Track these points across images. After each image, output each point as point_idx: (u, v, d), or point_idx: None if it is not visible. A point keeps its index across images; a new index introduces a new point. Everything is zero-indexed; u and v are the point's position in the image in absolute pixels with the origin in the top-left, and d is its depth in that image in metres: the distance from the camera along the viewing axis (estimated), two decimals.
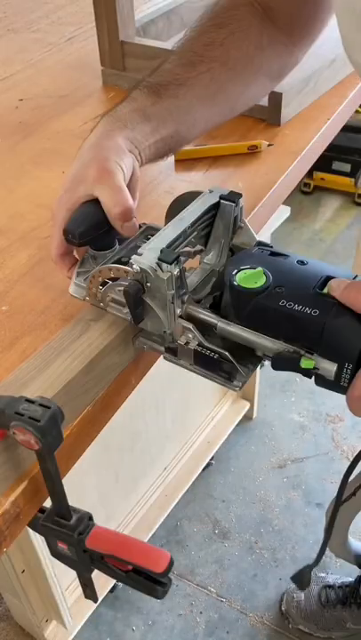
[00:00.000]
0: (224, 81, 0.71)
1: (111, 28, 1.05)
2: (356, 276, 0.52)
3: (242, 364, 0.56)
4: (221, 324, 0.56)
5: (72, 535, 0.58)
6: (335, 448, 1.71)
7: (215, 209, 0.60)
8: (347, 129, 1.29)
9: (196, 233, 0.59)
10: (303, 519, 1.56)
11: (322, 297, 0.51)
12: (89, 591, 0.65)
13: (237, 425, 1.67)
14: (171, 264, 0.53)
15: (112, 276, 0.58)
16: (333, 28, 1.13)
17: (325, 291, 0.51)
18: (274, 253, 0.57)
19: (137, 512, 1.40)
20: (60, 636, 1.27)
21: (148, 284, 0.55)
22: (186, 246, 0.59)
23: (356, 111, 1.20)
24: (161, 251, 0.54)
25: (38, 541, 1.01)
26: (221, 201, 0.60)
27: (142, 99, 0.67)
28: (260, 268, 0.54)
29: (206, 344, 0.56)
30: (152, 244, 0.55)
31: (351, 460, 0.91)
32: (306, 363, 0.52)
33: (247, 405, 1.69)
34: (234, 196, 0.59)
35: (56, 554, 0.62)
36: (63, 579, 1.17)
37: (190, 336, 0.56)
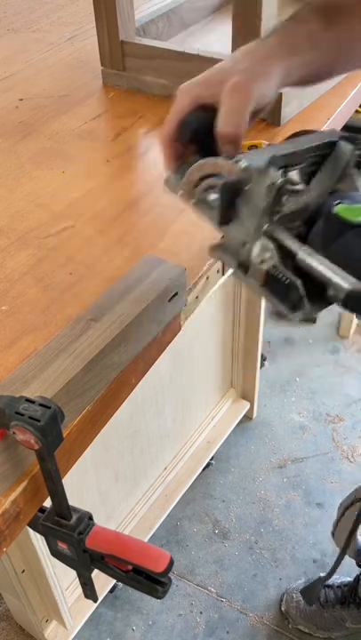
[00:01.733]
0: None
1: (111, 28, 1.05)
2: None
3: (312, 300, 0.54)
4: (303, 252, 0.53)
5: (72, 535, 0.58)
6: (335, 448, 1.70)
7: (330, 149, 0.57)
8: (347, 129, 1.28)
9: (305, 164, 0.56)
10: (303, 519, 1.56)
11: None
12: (89, 591, 0.66)
13: (237, 425, 1.67)
14: (279, 170, 0.52)
15: (212, 172, 0.56)
16: None
17: None
18: None
19: (137, 512, 1.40)
20: (60, 635, 1.27)
21: (247, 188, 0.53)
22: (296, 168, 0.56)
23: (357, 111, 1.20)
24: (273, 156, 0.52)
25: (38, 541, 1.01)
26: (339, 141, 0.56)
27: (314, 22, 0.61)
28: None
29: (281, 267, 0.54)
30: (265, 152, 0.53)
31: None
32: None
33: (247, 405, 1.69)
34: (356, 138, 0.56)
35: (56, 553, 0.62)
36: (63, 579, 1.17)
37: (267, 255, 0.54)
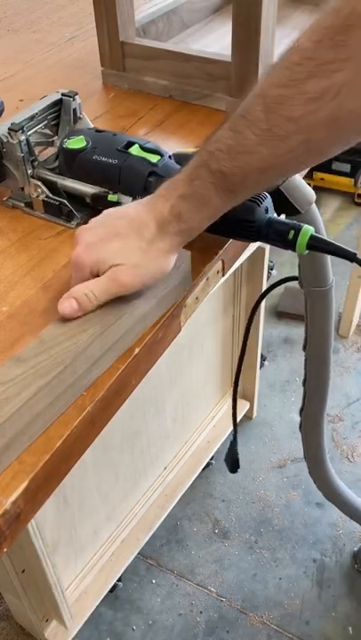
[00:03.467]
0: None
1: (111, 29, 1.05)
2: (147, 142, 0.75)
3: (79, 210, 0.78)
4: (59, 180, 0.78)
5: None
6: (335, 448, 1.70)
7: (60, 104, 0.82)
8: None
9: (46, 122, 0.81)
10: (303, 519, 1.56)
11: (121, 152, 0.74)
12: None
13: (237, 425, 1.67)
14: (17, 132, 0.74)
15: None
16: None
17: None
18: (98, 130, 0.79)
19: (137, 512, 1.41)
20: (60, 635, 1.27)
21: (5, 150, 0.77)
22: (37, 126, 0.80)
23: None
24: (11, 124, 0.75)
25: (38, 541, 1.01)
26: (63, 97, 0.81)
27: (216, 200, 0.59)
28: (82, 136, 0.77)
29: (51, 195, 0.78)
30: (5, 123, 0.76)
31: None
32: (111, 197, 0.73)
33: (247, 405, 1.69)
34: (72, 93, 0.81)
35: None
36: (63, 579, 1.17)
37: (40, 191, 0.78)
